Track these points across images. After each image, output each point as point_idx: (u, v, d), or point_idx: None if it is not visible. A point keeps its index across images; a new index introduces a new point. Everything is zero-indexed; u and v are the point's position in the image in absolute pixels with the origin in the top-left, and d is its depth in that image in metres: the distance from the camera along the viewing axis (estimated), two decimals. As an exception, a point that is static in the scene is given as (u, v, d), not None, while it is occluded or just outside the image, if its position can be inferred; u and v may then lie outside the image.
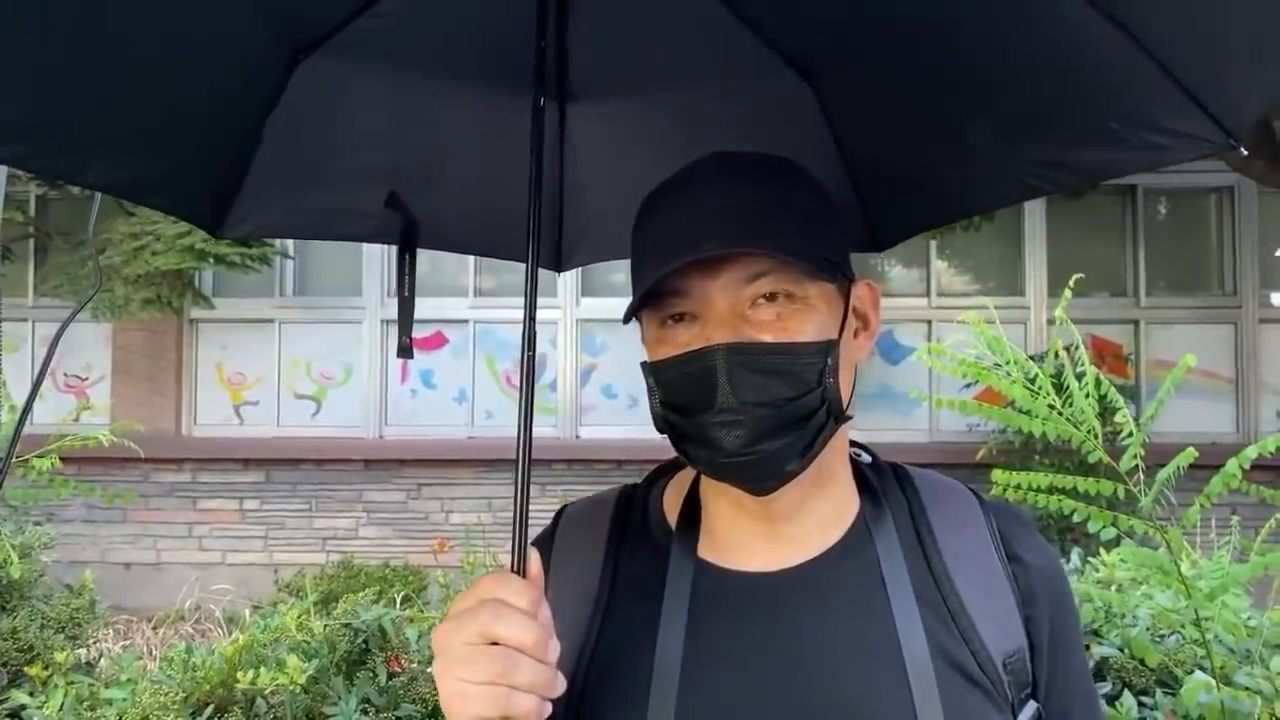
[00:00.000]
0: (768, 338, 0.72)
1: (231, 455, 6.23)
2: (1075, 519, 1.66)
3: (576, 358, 6.43)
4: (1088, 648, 1.98)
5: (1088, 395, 1.59)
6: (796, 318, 0.74)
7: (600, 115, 1.22)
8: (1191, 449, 1.59)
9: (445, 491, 6.14)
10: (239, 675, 1.61)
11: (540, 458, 6.19)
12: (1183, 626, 1.81)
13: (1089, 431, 1.61)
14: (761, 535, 0.81)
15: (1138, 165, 0.90)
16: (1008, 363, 1.79)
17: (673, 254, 0.72)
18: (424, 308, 6.67)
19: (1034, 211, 6.36)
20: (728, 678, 0.74)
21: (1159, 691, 1.76)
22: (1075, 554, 2.29)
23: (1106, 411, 1.76)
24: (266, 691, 1.62)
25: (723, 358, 0.71)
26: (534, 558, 0.72)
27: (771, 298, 0.73)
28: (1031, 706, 0.78)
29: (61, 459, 3.16)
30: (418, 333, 6.52)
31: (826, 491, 0.81)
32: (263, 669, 1.65)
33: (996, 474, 1.72)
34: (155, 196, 1.06)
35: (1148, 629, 1.93)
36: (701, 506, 0.84)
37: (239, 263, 5.64)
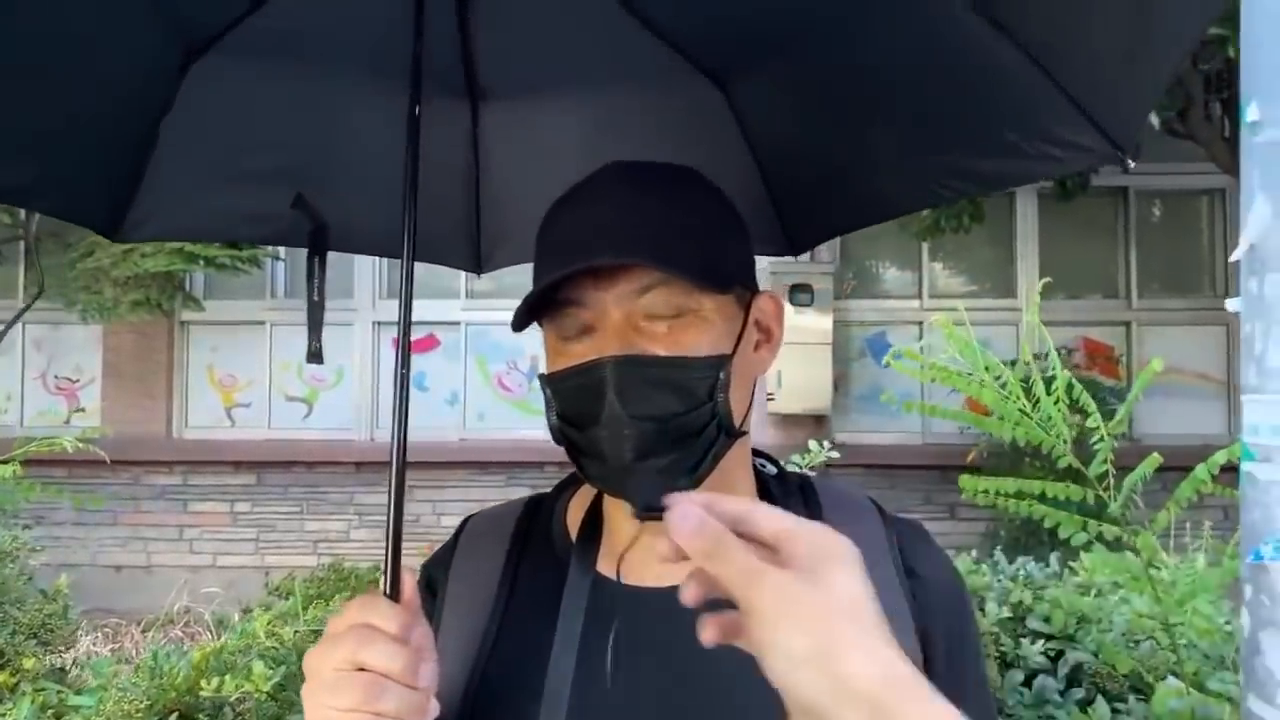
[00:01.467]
0: (659, 351, 0.72)
1: (222, 458, 6.22)
2: (1046, 524, 1.66)
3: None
4: (1061, 653, 1.97)
5: (1056, 401, 1.58)
6: (689, 331, 0.73)
7: (514, 114, 1.21)
8: (1157, 454, 1.58)
9: (437, 494, 6.13)
10: (203, 683, 1.60)
11: (532, 460, 6.19)
12: (1155, 632, 1.80)
13: (1057, 436, 1.60)
14: (659, 550, 0.80)
15: (1035, 175, 0.96)
16: (986, 368, 1.79)
17: (565, 262, 0.72)
18: (416, 310, 6.62)
19: (1026, 214, 6.36)
20: (618, 696, 0.73)
21: (1132, 698, 1.75)
22: (1054, 558, 2.28)
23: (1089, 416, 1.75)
24: (232, 699, 1.62)
25: (612, 370, 0.70)
26: (408, 580, 0.71)
27: (663, 311, 0.73)
28: None
29: (51, 462, 3.14)
30: (411, 334, 6.51)
31: None
32: (228, 676, 1.64)
33: (964, 479, 1.71)
34: (43, 201, 1.06)
35: (1123, 634, 1.93)
36: (604, 518, 0.83)
37: (229, 265, 5.63)
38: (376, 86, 1.07)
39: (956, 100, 0.93)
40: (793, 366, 5.81)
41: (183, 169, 1.12)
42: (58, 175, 0.99)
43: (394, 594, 0.70)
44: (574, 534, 0.83)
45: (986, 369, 1.64)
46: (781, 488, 0.86)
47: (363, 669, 0.63)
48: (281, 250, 6.26)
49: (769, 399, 5.86)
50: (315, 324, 1.09)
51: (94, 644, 4.99)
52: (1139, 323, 6.26)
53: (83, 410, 6.43)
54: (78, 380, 6.45)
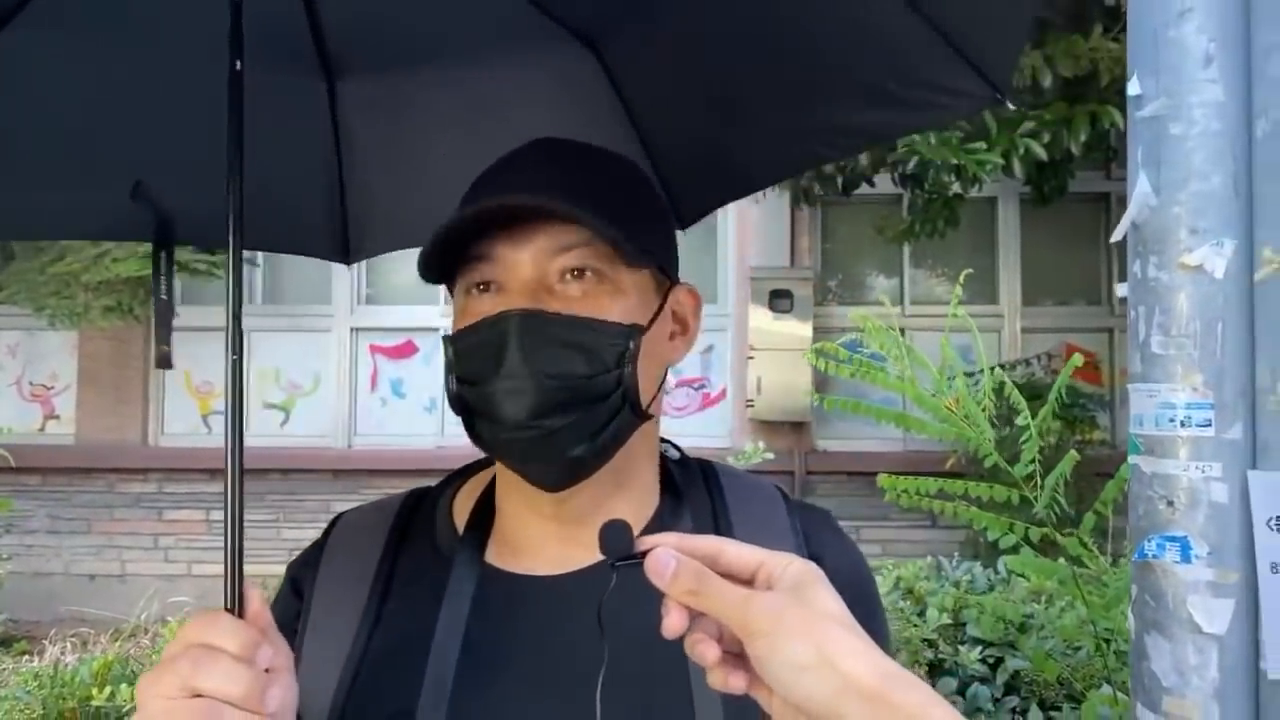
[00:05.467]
0: (569, 311, 0.70)
1: (198, 465, 6.17)
2: (974, 527, 1.61)
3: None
4: (1001, 660, 1.92)
5: (980, 402, 1.53)
6: (604, 298, 0.71)
7: (375, 91, 1.15)
8: (1074, 452, 1.53)
9: (414, 502, 6.08)
10: (94, 692, 1.56)
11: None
12: (1091, 638, 1.75)
13: (982, 434, 1.55)
14: (553, 537, 0.77)
15: (919, 124, 0.94)
16: (943, 371, 1.74)
17: (483, 209, 0.69)
18: (394, 316, 6.65)
19: (1008, 220, 6.33)
20: (504, 686, 0.71)
21: (1067, 706, 1.70)
22: (1002, 564, 2.23)
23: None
24: (126, 710, 1.57)
25: (516, 324, 0.68)
26: (254, 596, 0.65)
27: (579, 274, 0.71)
28: None
29: (23, 470, 3.08)
30: (389, 341, 6.49)
31: (626, 494, 0.79)
32: (124, 685, 1.59)
33: (883, 479, 1.66)
34: None
35: (1064, 640, 1.87)
36: (496, 509, 0.80)
37: (204, 270, 5.59)
38: (211, 63, 0.98)
39: (835, 53, 0.90)
40: (772, 373, 5.77)
41: (2, 164, 1.04)
42: None
43: (238, 610, 0.64)
44: (461, 525, 0.80)
45: (923, 366, 1.59)
46: (683, 473, 0.84)
47: (199, 695, 0.57)
48: (259, 255, 6.24)
49: (748, 405, 5.81)
50: (163, 325, 1.02)
51: (63, 653, 4.94)
52: (1120, 329, 6.20)
53: (57, 417, 6.38)
54: (53, 387, 6.40)
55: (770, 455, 2.23)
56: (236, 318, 0.75)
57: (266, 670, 0.61)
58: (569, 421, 0.69)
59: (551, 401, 0.68)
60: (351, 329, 6.43)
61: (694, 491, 0.82)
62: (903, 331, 6.22)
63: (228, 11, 0.78)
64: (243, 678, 0.58)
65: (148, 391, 6.35)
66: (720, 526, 0.80)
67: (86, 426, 6.24)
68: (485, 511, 0.80)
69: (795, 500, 0.85)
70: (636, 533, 0.76)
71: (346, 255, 1.27)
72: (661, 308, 0.76)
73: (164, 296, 0.96)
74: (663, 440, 0.85)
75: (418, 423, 6.37)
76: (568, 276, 0.71)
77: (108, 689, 1.56)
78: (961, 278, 1.88)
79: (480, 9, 1.04)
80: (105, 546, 6.17)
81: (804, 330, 5.87)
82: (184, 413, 6.47)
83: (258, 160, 1.08)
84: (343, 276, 6.37)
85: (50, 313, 5.43)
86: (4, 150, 1.03)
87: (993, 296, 6.36)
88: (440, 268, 0.74)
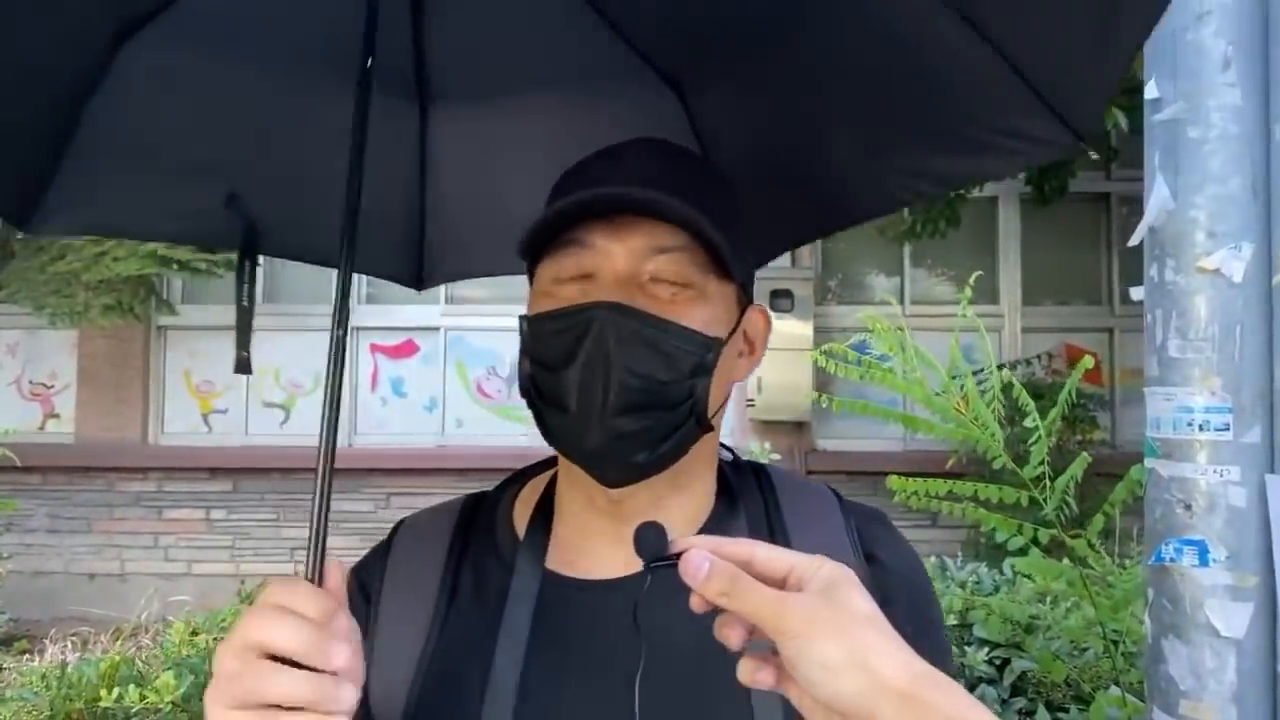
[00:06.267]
0: (658, 313, 0.69)
1: (199, 464, 6.16)
2: (982, 528, 1.61)
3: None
4: (1008, 662, 1.92)
5: (989, 403, 1.53)
6: (691, 305, 0.71)
7: (464, 119, 1.15)
8: (1085, 455, 1.53)
9: (415, 501, 6.05)
10: (102, 693, 1.55)
11: (512, 466, 6.02)
12: (1099, 639, 1.75)
13: (991, 436, 1.55)
14: (610, 538, 0.77)
15: (997, 172, 0.92)
16: (951, 372, 1.74)
17: (600, 195, 0.69)
18: (395, 315, 6.64)
19: (1009, 220, 6.33)
20: (567, 691, 0.71)
21: (1074, 707, 1.70)
22: (1007, 565, 2.23)
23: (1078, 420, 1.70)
24: (135, 711, 1.56)
25: (606, 314, 0.67)
26: (334, 570, 0.64)
27: (672, 278, 0.70)
28: None
29: (24, 469, 3.08)
30: (389, 340, 6.48)
31: (683, 497, 0.79)
32: (132, 686, 1.59)
33: (892, 480, 1.66)
34: None
35: (1071, 641, 1.87)
36: (554, 513, 0.80)
37: (205, 269, 5.58)
38: (318, 83, 1.01)
39: (919, 98, 0.89)
40: (773, 373, 5.76)
41: (105, 158, 1.04)
42: None
43: (317, 580, 0.63)
44: (521, 529, 0.79)
45: (931, 367, 1.59)
46: (737, 475, 0.84)
47: (268, 654, 0.56)
48: (260, 256, 6.23)
49: (749, 405, 5.81)
50: (244, 331, 1.03)
51: (63, 652, 4.93)
52: (1121, 329, 6.21)
53: (57, 416, 6.37)
54: (53, 386, 6.39)
55: (777, 456, 2.22)
56: (343, 325, 0.76)
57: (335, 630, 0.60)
58: (640, 426, 0.69)
59: (628, 401, 0.68)
60: (352, 328, 6.42)
61: (748, 493, 0.82)
62: (903, 331, 6.24)
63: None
64: (306, 633, 0.57)
65: (148, 390, 6.34)
66: (775, 528, 0.80)
67: (86, 425, 6.23)
68: (544, 515, 0.80)
69: (850, 501, 0.85)
70: (693, 534, 0.76)
71: (420, 281, 1.27)
72: (738, 323, 0.76)
73: (245, 303, 0.96)
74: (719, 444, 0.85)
75: (418, 422, 6.36)
76: (661, 277, 0.70)
77: (115, 690, 1.55)
78: (972, 279, 1.88)
79: (576, 45, 1.05)
80: (105, 545, 6.15)
81: (804, 330, 5.87)
82: (184, 412, 6.45)
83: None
84: (343, 276, 6.37)
85: (50, 311, 5.41)
86: (111, 147, 1.03)
87: (993, 296, 6.37)
88: (532, 245, 0.73)
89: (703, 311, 0.71)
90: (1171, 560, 0.98)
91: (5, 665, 3.23)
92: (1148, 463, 1.02)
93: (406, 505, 6.58)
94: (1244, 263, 0.95)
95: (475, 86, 1.12)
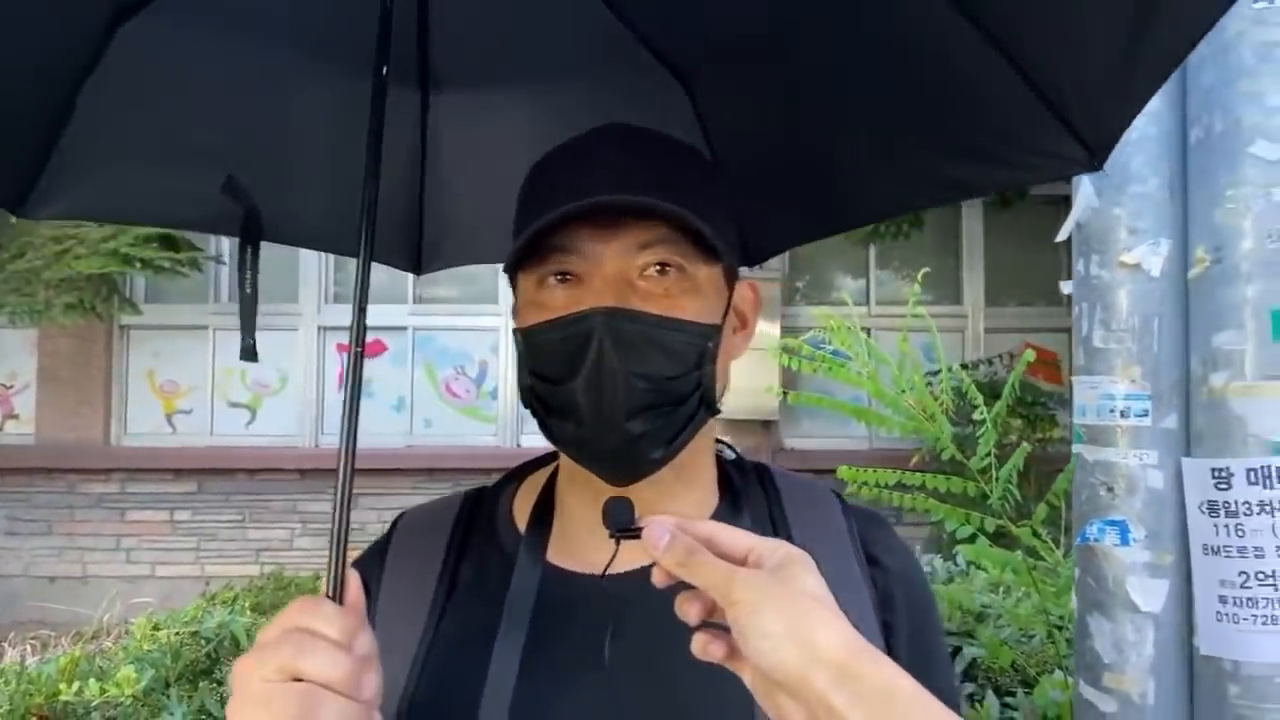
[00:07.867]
0: (654, 310, 0.68)
1: (162, 465, 6.09)
2: (931, 517, 1.66)
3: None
4: (959, 649, 1.97)
5: (939, 399, 1.58)
6: (685, 296, 0.70)
7: (465, 105, 1.15)
8: (1025, 445, 1.59)
9: (382, 501, 6.03)
10: (62, 687, 1.55)
11: (481, 466, 6.12)
12: (1044, 625, 1.81)
13: (939, 428, 1.60)
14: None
15: (1008, 183, 0.91)
16: (903, 368, 1.79)
17: (566, 200, 0.66)
18: (363, 315, 6.58)
19: (972, 221, 6.44)
20: (567, 686, 0.71)
21: (1021, 691, 1.75)
22: (960, 556, 2.29)
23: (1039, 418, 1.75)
24: (95, 704, 1.57)
25: (606, 321, 0.66)
26: (353, 581, 0.63)
27: (663, 270, 0.69)
28: None
29: None
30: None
31: (687, 492, 0.79)
32: (92, 681, 1.59)
33: (843, 470, 1.70)
34: None
35: (1020, 629, 1.93)
36: (555, 508, 0.80)
37: (167, 267, 5.52)
38: (320, 67, 1.00)
39: (929, 101, 0.88)
40: (740, 372, 5.75)
41: (101, 142, 1.02)
42: None
43: (337, 596, 0.63)
44: (522, 524, 0.79)
45: (882, 362, 1.64)
46: (740, 473, 0.84)
47: (298, 679, 0.56)
48: (225, 253, 6.18)
49: (716, 404, 5.86)
50: (248, 318, 1.02)
51: (22, 656, 4.85)
52: (1081, 329, 6.35)
53: (17, 417, 6.27)
54: (12, 386, 6.29)
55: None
56: (362, 310, 0.72)
57: (363, 657, 0.60)
58: (653, 425, 0.68)
59: (639, 403, 0.67)
60: (319, 327, 6.39)
61: (751, 492, 0.82)
62: (868, 331, 6.31)
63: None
64: (340, 662, 0.57)
65: (110, 390, 6.26)
66: (778, 527, 0.80)
67: (47, 426, 6.13)
68: (545, 510, 0.80)
69: (851, 504, 0.85)
70: None
71: (418, 266, 1.26)
72: (729, 302, 0.75)
73: (249, 291, 0.96)
74: (718, 441, 0.84)
75: (386, 422, 6.34)
76: (650, 272, 0.69)
77: (75, 684, 1.56)
78: (920, 276, 1.92)
79: (586, 34, 1.04)
80: (66, 548, 6.07)
81: (772, 330, 5.93)
82: (147, 412, 6.38)
83: (349, 163, 1.08)
84: (310, 275, 6.33)
85: (10, 310, 5.33)
86: (108, 130, 1.02)
87: (956, 297, 6.48)
88: (514, 256, 0.72)
89: (696, 300, 0.71)
90: (1095, 540, 1.03)
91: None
92: (1075, 448, 1.08)
93: (373, 505, 6.52)
94: (1161, 258, 1.00)
95: (479, 73, 1.11)
